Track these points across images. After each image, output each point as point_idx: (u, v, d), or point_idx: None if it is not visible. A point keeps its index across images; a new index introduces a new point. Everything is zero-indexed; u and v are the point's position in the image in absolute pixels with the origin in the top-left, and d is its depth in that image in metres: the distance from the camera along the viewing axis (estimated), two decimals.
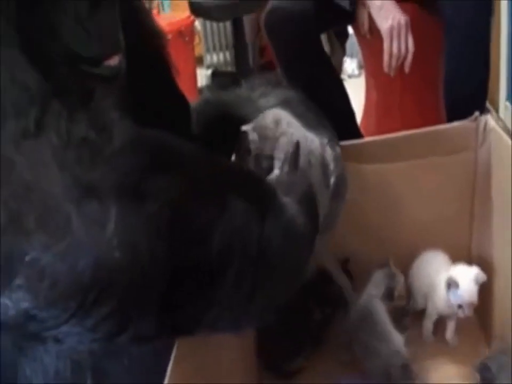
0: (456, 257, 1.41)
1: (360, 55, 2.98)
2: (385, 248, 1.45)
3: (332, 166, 1.03)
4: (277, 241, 0.74)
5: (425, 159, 1.41)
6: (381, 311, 1.31)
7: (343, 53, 2.19)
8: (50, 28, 0.76)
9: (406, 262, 1.46)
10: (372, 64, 2.25)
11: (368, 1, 1.76)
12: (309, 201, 0.87)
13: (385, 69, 1.74)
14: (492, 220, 1.36)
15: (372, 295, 1.34)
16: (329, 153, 1.03)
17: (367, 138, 1.65)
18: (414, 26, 1.76)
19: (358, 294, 1.38)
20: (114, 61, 0.82)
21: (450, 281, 1.32)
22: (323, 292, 1.46)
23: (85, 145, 0.63)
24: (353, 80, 3.39)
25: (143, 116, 0.94)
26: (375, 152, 1.42)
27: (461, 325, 1.40)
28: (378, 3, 1.74)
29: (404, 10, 1.78)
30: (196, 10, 3.55)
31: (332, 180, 1.02)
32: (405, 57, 1.71)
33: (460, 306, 1.32)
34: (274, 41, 1.82)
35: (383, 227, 1.47)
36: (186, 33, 3.35)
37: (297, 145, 0.96)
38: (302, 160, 0.97)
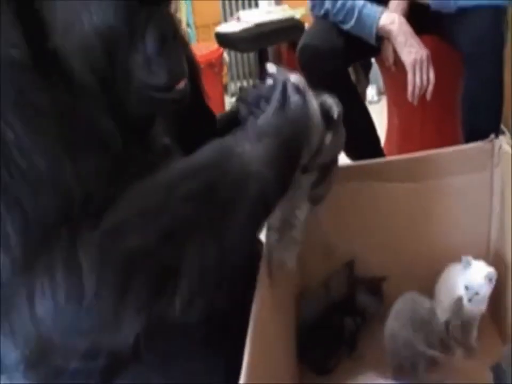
0: None
1: (379, 82, 3.12)
2: (409, 265, 1.52)
3: (334, 107, 1.05)
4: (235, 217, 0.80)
5: (444, 178, 1.49)
6: (421, 313, 1.38)
7: (367, 82, 2.33)
8: (125, 68, 0.88)
9: (431, 278, 1.52)
10: (394, 93, 2.40)
11: (393, 37, 1.91)
12: (288, 144, 0.87)
13: (409, 98, 1.89)
14: (508, 234, 1.44)
15: (428, 305, 1.41)
16: (330, 99, 1.06)
17: (389, 158, 1.74)
18: (434, 57, 1.92)
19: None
20: (181, 84, 0.93)
21: (464, 260, 1.39)
22: (353, 304, 1.58)
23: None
24: (372, 106, 3.45)
25: (181, 134, 1.07)
26: (397, 171, 1.50)
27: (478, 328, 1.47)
28: (402, 38, 1.89)
29: (425, 43, 1.93)
30: (222, 41, 3.72)
31: (335, 115, 1.04)
32: (427, 88, 1.87)
33: (467, 288, 1.38)
34: (306, 76, 1.94)
35: (406, 244, 1.53)
36: (216, 64, 3.50)
37: (284, 85, 0.96)
38: (307, 97, 0.98)
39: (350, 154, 2.08)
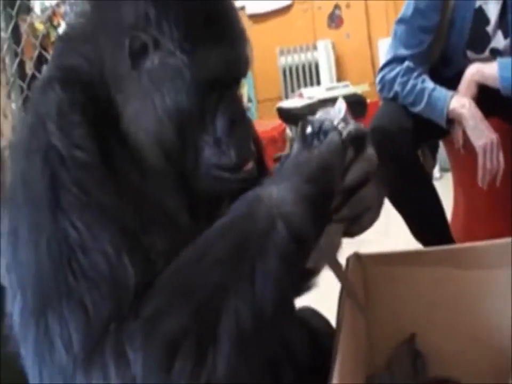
0: None
1: (442, 159, 3.14)
2: (485, 357, 1.51)
3: (348, 128, 0.94)
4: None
5: None
6: None
7: (434, 163, 2.36)
8: (194, 148, 0.92)
9: (498, 371, 1.42)
10: (461, 174, 2.43)
11: (464, 121, 1.95)
12: (316, 180, 0.83)
13: (479, 183, 1.92)
14: None
15: None
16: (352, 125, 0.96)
17: (459, 245, 1.75)
18: (501, 140, 1.95)
19: None
20: (249, 165, 0.95)
21: None
22: None
23: None
24: (435, 183, 3.47)
25: None
26: (466, 258, 1.45)
27: None
28: (472, 123, 1.93)
29: (492, 125, 1.96)
30: (285, 117, 3.81)
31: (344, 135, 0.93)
32: (497, 172, 1.89)
33: None
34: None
35: (474, 333, 1.51)
36: (279, 139, 3.58)
37: (302, 127, 0.93)
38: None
39: (417, 236, 2.10)
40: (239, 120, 0.94)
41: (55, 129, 0.85)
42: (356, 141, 0.91)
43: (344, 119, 0.97)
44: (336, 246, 0.97)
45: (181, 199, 0.95)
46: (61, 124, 0.85)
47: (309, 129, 0.94)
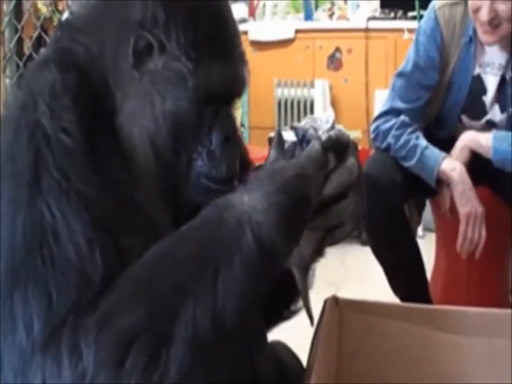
0: None
1: (426, 218, 3.19)
2: None
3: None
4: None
5: (497, 339, 1.51)
6: None
7: (419, 220, 2.41)
8: (186, 156, 0.96)
9: None
10: (444, 236, 2.47)
11: (452, 184, 2.00)
12: (291, 188, 0.82)
13: (458, 249, 1.98)
14: None
15: None
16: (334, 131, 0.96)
17: (444, 307, 1.75)
18: (486, 210, 2.01)
19: None
20: (234, 183, 0.98)
21: None
22: None
23: None
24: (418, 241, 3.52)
25: None
26: (450, 321, 1.44)
27: None
28: (460, 189, 1.98)
29: (479, 194, 2.03)
30: None
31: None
32: (477, 244, 1.94)
33: None
34: None
35: None
36: None
37: (278, 133, 0.92)
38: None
39: (395, 289, 2.16)
40: (232, 138, 0.97)
41: (45, 108, 0.87)
42: (338, 149, 0.90)
43: (330, 130, 0.97)
44: (305, 254, 0.95)
45: (165, 207, 0.97)
46: (51, 104, 0.88)
47: (292, 137, 0.96)
